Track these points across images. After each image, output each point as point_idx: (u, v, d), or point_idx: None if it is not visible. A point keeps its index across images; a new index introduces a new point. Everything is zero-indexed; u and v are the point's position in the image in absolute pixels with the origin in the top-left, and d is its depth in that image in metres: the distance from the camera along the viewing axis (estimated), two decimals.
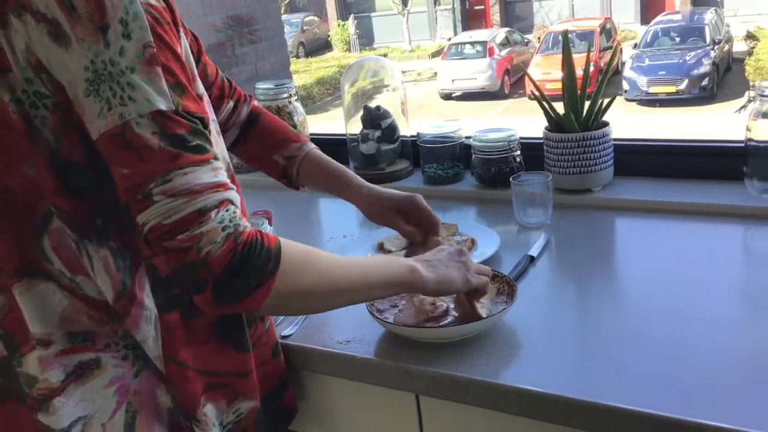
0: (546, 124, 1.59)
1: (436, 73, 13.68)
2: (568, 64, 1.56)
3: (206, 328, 0.96)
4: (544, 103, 1.57)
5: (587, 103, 1.54)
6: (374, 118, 1.84)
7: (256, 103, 1.33)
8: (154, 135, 0.78)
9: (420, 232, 1.22)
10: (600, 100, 1.54)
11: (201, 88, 0.95)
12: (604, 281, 1.26)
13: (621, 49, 11.81)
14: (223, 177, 0.83)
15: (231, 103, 1.26)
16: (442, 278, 1.02)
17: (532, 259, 1.31)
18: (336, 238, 1.54)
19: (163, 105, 0.79)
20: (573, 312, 1.17)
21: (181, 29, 0.93)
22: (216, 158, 0.83)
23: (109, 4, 0.77)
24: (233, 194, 0.83)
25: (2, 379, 0.90)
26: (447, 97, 12.96)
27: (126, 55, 0.78)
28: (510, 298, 1.11)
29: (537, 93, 1.58)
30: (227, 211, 0.81)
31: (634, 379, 0.95)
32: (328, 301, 0.94)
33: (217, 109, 1.22)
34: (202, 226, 0.78)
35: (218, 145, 0.99)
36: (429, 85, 13.92)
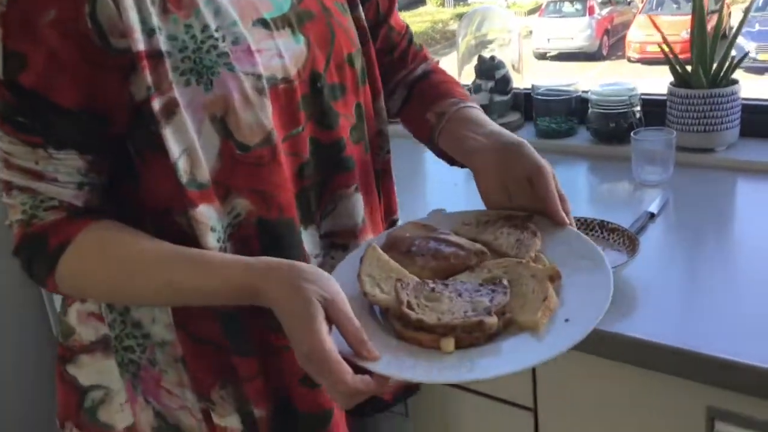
0: (672, 79, 1.55)
1: (531, 32, 13.33)
2: (699, 18, 1.50)
3: None
4: (671, 57, 1.52)
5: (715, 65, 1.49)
6: (488, 69, 1.83)
7: (437, 64, 1.12)
8: None
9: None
10: (730, 57, 1.48)
11: None
12: (721, 244, 1.23)
13: (730, 12, 11.20)
14: None
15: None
16: None
17: (651, 216, 1.29)
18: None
19: None
20: (687, 273, 1.15)
21: None
22: None
23: None
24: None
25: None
26: (541, 56, 12.58)
27: None
28: (632, 252, 1.10)
29: (666, 48, 1.53)
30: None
31: (747, 336, 0.93)
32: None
33: (394, 72, 1.09)
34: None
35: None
36: (524, 43, 13.58)
